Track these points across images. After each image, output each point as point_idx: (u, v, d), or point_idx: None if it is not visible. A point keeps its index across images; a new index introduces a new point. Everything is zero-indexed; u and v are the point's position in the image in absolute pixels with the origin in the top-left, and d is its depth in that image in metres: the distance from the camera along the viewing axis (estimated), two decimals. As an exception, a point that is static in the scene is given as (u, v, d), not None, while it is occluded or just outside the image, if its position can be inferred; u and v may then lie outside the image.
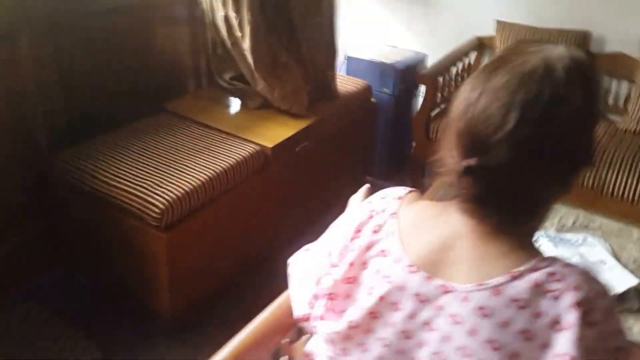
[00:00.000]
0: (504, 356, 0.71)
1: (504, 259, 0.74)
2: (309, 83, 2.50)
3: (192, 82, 2.73)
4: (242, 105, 2.52)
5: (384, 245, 0.82)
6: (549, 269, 0.72)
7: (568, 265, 0.73)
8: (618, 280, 1.50)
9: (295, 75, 2.45)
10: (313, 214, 2.39)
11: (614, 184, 2.31)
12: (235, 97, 2.56)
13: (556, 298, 0.70)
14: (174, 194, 1.89)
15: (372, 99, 2.87)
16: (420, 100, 3.19)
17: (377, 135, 2.99)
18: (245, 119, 2.42)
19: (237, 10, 2.27)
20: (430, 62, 3.08)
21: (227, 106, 2.55)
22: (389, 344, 0.79)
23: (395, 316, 0.78)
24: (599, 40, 2.76)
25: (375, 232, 0.83)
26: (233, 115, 2.50)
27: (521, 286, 0.71)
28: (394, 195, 0.87)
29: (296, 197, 2.49)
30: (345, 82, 2.77)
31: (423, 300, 0.76)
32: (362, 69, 2.92)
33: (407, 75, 2.94)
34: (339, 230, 0.92)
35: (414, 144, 2.80)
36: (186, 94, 2.65)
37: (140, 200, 1.87)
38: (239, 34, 2.31)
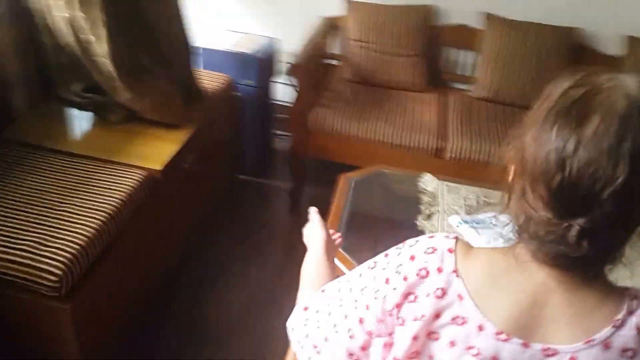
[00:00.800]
0: None
1: (602, 307, 0.70)
2: (175, 86, 2.19)
3: (21, 98, 2.21)
4: (100, 120, 2.12)
5: (455, 311, 0.72)
6: None
7: None
8: None
9: (161, 79, 2.13)
10: (202, 227, 2.16)
11: (479, 153, 2.46)
12: (89, 111, 2.14)
13: None
14: (68, 252, 1.51)
15: (236, 93, 2.65)
16: (279, 90, 3.09)
17: (244, 130, 2.79)
18: (111, 138, 2.04)
19: (86, 11, 1.87)
20: (284, 47, 2.94)
21: (81, 124, 2.12)
22: None
23: None
24: (443, 14, 2.89)
25: (439, 297, 0.72)
26: (94, 135, 2.08)
27: (627, 335, 0.68)
28: (443, 246, 0.75)
29: (185, 213, 2.21)
30: (205, 78, 2.50)
31: None
32: (220, 62, 2.66)
33: (268, 64, 2.77)
34: (365, 292, 0.79)
35: (291, 138, 2.66)
36: (16, 115, 2.14)
37: (27, 269, 1.46)
38: (91, 37, 1.91)
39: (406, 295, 0.74)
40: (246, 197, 2.82)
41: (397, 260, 0.77)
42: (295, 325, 0.91)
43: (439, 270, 0.73)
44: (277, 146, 3.15)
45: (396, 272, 0.76)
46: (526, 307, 0.70)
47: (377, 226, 1.75)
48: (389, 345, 0.77)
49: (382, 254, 0.82)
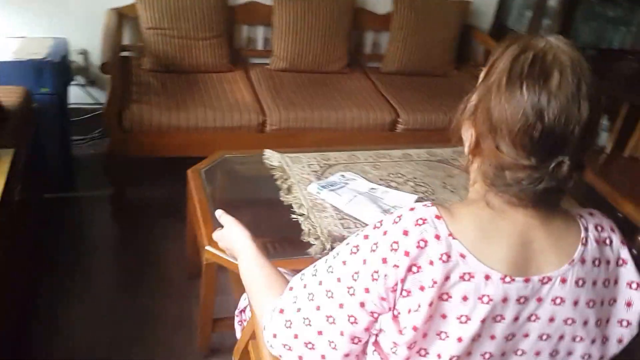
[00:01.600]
0: (597, 309, 0.85)
1: (569, 230, 0.85)
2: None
3: None
4: None
5: (462, 269, 0.79)
6: (594, 223, 0.88)
7: (596, 214, 0.91)
8: (400, 199, 1.84)
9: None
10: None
11: (296, 120, 2.66)
12: None
13: (610, 243, 0.88)
14: None
15: (34, 104, 2.40)
16: (74, 93, 2.86)
17: (48, 143, 2.55)
18: None
19: None
20: (72, 46, 2.73)
21: None
22: (492, 355, 0.83)
23: (498, 328, 0.82)
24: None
25: (445, 261, 0.78)
26: None
27: (592, 248, 0.85)
28: (430, 215, 0.81)
29: (20, 252, 2.00)
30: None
31: (524, 301, 0.81)
32: (6, 73, 2.37)
33: (62, 67, 2.55)
34: (359, 276, 0.82)
35: (107, 141, 2.52)
36: None
37: None
38: None
39: (409, 268, 0.78)
40: (65, 215, 2.61)
41: (387, 239, 0.81)
42: (277, 329, 0.91)
43: (437, 237, 0.79)
44: (81, 153, 2.95)
45: (391, 249, 0.79)
46: (518, 248, 0.80)
47: (249, 210, 1.82)
48: (396, 317, 0.82)
49: (359, 237, 0.85)
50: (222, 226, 1.21)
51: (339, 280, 0.85)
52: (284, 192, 1.85)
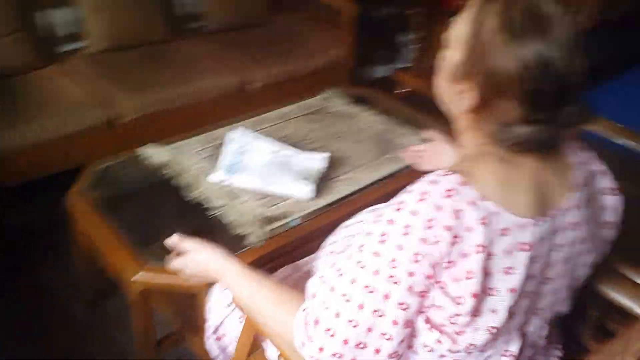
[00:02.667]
0: (595, 220, 0.95)
1: (567, 160, 0.91)
2: None
3: None
4: None
5: (499, 226, 0.81)
6: (584, 152, 0.95)
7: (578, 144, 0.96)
8: (310, 159, 1.79)
9: None
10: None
11: (155, 104, 2.44)
12: None
13: (589, 161, 0.96)
14: None
15: None
16: None
17: None
18: None
19: None
20: None
21: None
22: (533, 292, 0.89)
23: (536, 267, 0.87)
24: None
25: (484, 223, 0.79)
26: None
27: (583, 170, 0.93)
28: (455, 184, 0.80)
29: None
30: None
31: (552, 235, 0.87)
32: None
33: None
34: (398, 262, 0.81)
35: None
36: None
37: None
38: None
39: (452, 241, 0.79)
40: None
41: (420, 219, 0.79)
42: (321, 342, 0.86)
43: (472, 203, 0.79)
44: None
45: (428, 227, 0.79)
46: (536, 190, 0.85)
47: (155, 220, 1.64)
48: (444, 289, 0.82)
49: (382, 223, 0.83)
50: (173, 253, 1.15)
51: (376, 272, 0.82)
52: (189, 190, 1.71)
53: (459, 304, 0.82)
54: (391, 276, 0.82)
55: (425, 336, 0.88)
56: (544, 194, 0.86)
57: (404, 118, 2.15)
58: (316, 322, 0.88)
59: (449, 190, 0.80)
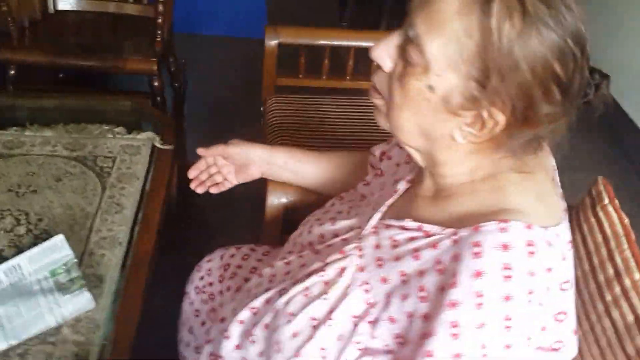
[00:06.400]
0: None
1: None
2: None
3: None
4: None
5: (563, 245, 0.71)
6: None
7: None
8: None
9: None
10: None
11: None
12: None
13: None
14: None
15: None
16: None
17: None
18: None
19: None
20: None
21: None
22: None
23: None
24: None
25: (563, 258, 0.69)
26: None
27: None
28: (524, 235, 0.65)
29: None
30: None
31: None
32: None
33: None
34: (509, 353, 0.64)
35: None
36: None
37: None
38: None
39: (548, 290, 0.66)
40: None
41: (516, 302, 0.63)
42: None
43: (549, 243, 0.66)
44: None
45: (528, 301, 0.64)
46: (556, 189, 0.76)
47: None
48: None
49: (471, 335, 0.63)
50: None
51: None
52: None
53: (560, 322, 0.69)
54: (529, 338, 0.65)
55: None
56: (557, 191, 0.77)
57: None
58: None
59: (528, 246, 0.64)
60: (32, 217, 1.15)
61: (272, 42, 1.59)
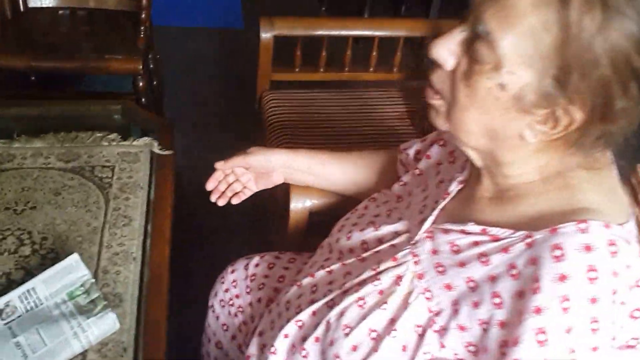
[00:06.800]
0: None
1: None
2: None
3: None
4: None
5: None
6: None
7: None
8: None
9: None
10: None
11: None
12: None
13: None
14: None
15: None
16: None
17: None
18: None
19: None
20: None
21: None
22: None
23: None
24: None
25: None
26: None
27: None
28: (604, 234, 0.63)
29: None
30: None
31: None
32: None
33: None
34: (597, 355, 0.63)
35: None
36: None
37: None
38: None
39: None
40: None
41: (602, 304, 0.62)
42: None
43: (627, 241, 0.64)
44: None
45: (612, 302, 0.62)
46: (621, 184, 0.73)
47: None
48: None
49: (560, 339, 0.61)
50: None
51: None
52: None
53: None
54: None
55: None
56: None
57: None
58: None
59: (610, 246, 0.62)
60: (35, 236, 1.08)
61: (267, 35, 1.50)
